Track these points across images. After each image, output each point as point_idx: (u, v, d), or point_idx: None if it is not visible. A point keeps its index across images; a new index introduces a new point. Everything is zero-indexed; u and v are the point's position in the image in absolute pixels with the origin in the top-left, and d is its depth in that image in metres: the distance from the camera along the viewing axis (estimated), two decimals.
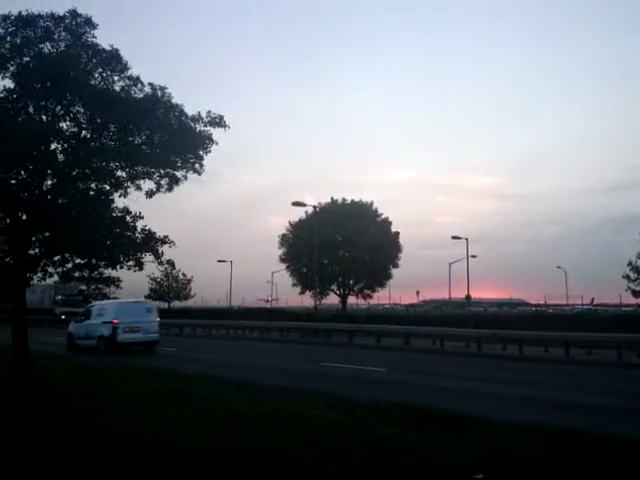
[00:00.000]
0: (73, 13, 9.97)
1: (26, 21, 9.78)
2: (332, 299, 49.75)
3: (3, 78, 9.91)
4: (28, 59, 9.88)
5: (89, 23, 10.10)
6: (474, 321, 32.80)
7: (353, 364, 18.44)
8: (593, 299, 67.71)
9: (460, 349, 24.80)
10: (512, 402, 11.57)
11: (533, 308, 63.97)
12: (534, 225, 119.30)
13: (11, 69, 9.87)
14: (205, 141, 10.65)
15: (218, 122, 10.58)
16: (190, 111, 10.46)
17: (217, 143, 10.79)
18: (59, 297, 58.70)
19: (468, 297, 47.64)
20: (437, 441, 6.92)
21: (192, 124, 10.43)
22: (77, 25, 10.02)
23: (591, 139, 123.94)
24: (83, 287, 62.92)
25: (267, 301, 70.68)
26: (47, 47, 9.98)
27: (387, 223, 46.92)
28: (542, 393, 12.96)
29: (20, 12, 9.80)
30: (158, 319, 25.62)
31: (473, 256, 47.92)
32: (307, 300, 54.54)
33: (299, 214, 46.87)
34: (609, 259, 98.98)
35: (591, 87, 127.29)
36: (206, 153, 10.79)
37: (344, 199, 47.14)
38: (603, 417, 10.11)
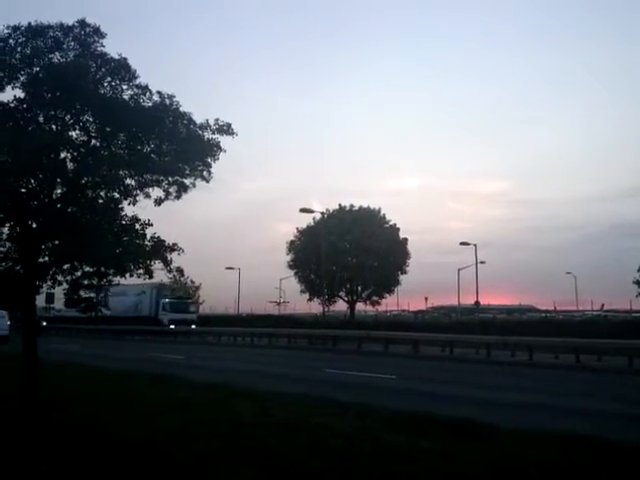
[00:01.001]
0: (82, 23, 10.04)
1: (36, 32, 9.86)
2: (340, 306, 49.75)
3: (13, 88, 9.97)
4: (38, 69, 9.94)
5: (98, 33, 10.16)
6: (483, 327, 32.64)
7: (361, 371, 18.39)
8: (603, 305, 67.23)
9: (469, 356, 24.69)
10: (522, 409, 11.49)
11: (543, 314, 63.58)
12: (543, 231, 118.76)
13: (21, 79, 9.94)
14: (213, 149, 10.66)
15: (226, 130, 10.59)
16: (198, 119, 10.50)
17: (225, 151, 10.81)
18: (166, 300, 49.06)
19: (477, 303, 47.49)
20: (448, 449, 6.87)
21: (200, 132, 10.45)
22: (86, 35, 10.08)
23: (601, 145, 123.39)
24: (92, 295, 63.42)
25: (278, 304, 69.71)
26: (57, 57, 10.04)
27: (395, 229, 46.88)
28: (553, 400, 12.87)
29: (30, 23, 9.87)
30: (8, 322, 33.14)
31: (482, 262, 47.79)
32: (315, 307, 54.51)
33: (307, 221, 47.00)
34: (619, 265, 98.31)
35: (601, 92, 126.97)
36: (214, 160, 10.80)
37: (352, 205, 47.21)
38: (615, 424, 10.02)
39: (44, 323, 55.09)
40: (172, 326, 45.83)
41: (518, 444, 7.21)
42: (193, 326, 46.69)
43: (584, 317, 52.29)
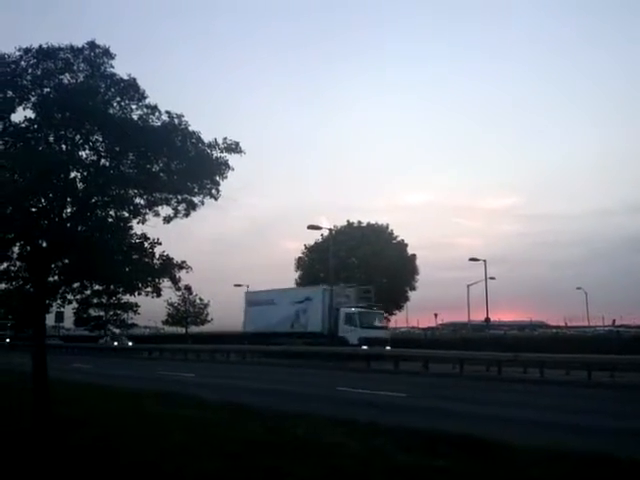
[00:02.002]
0: (92, 44, 10.18)
1: (46, 53, 10.00)
2: None
3: (24, 109, 10.10)
4: (48, 90, 10.07)
5: (107, 54, 10.29)
6: (494, 344, 32.37)
7: (371, 389, 18.24)
8: (614, 320, 66.56)
9: (480, 373, 24.45)
10: (535, 426, 11.32)
11: (554, 330, 63.02)
12: (553, 246, 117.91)
13: (32, 100, 10.06)
14: (221, 167, 10.72)
15: (234, 148, 10.66)
16: (207, 138, 10.57)
17: (233, 169, 10.87)
18: (354, 311, 35.67)
19: (487, 320, 47.09)
20: (461, 468, 6.78)
21: (209, 150, 10.51)
22: (96, 56, 10.21)
23: (611, 159, 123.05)
24: (101, 313, 63.43)
25: None
26: (67, 78, 10.17)
27: (403, 245, 46.93)
28: (565, 417, 12.70)
29: (41, 45, 10.03)
30: None
31: (492, 278, 47.42)
32: None
33: (315, 237, 47.06)
34: (630, 279, 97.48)
35: (611, 106, 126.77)
36: (222, 179, 10.86)
37: (359, 222, 47.35)
38: (629, 441, 9.86)
39: (130, 343, 53.48)
40: (364, 347, 31.89)
41: (531, 462, 7.10)
42: (388, 347, 32.87)
43: (595, 333, 51.78)
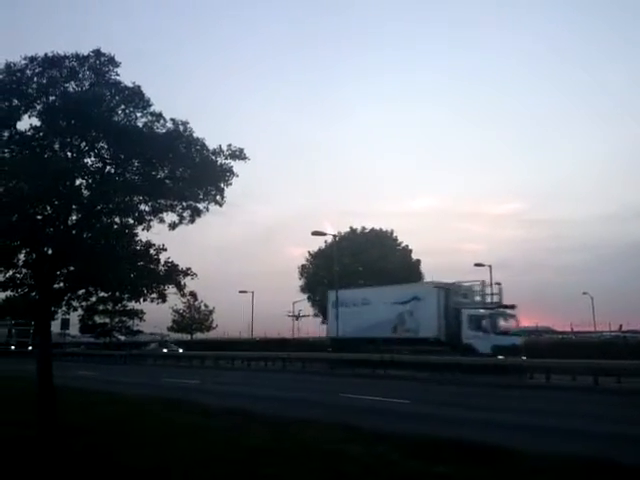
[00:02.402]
0: (97, 53, 10.24)
1: (52, 62, 10.06)
2: None
3: (30, 117, 10.17)
4: (54, 98, 10.12)
5: (112, 62, 10.35)
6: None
7: (375, 395, 18.18)
8: (621, 326, 66.08)
9: (486, 378, 24.34)
10: (540, 433, 11.26)
11: (560, 335, 62.70)
12: (559, 251, 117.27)
13: (38, 108, 10.12)
14: (226, 174, 10.76)
15: (238, 155, 10.69)
16: (211, 144, 10.61)
17: (237, 175, 10.90)
18: (483, 312, 29.66)
19: None
20: (465, 475, 6.74)
21: (213, 157, 10.55)
22: (101, 64, 10.27)
23: (616, 164, 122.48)
24: (107, 320, 63.57)
25: (297, 317, 64.38)
26: (72, 86, 10.23)
27: (407, 251, 46.87)
28: (571, 423, 12.62)
29: (46, 53, 10.10)
30: None
31: (497, 283, 47.18)
32: None
33: (319, 244, 47.03)
34: (637, 285, 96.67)
35: (617, 111, 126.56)
36: (227, 185, 10.90)
37: (363, 228, 47.35)
38: (635, 447, 9.77)
39: (180, 350, 49.23)
40: (500, 357, 26.60)
41: (536, 469, 7.06)
42: (523, 357, 27.22)
43: (602, 338, 51.49)
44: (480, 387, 22.21)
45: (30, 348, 55.56)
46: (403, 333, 31.79)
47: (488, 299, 32.22)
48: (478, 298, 32.06)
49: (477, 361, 26.39)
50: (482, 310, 30.03)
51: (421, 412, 14.55)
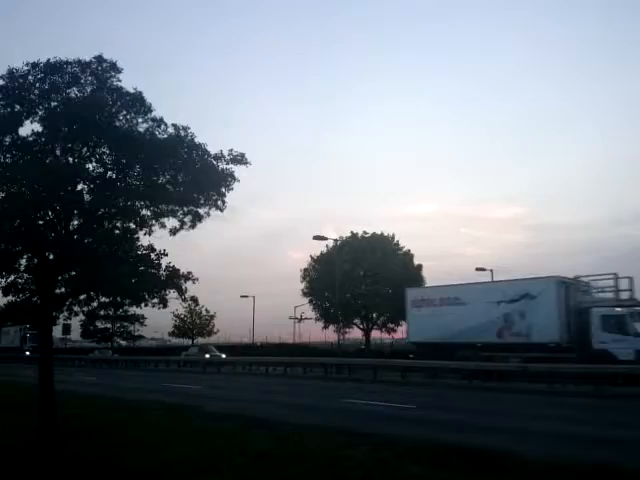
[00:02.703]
0: (99, 59, 10.27)
1: (54, 68, 10.09)
2: (356, 333, 49.45)
3: (32, 122, 10.19)
4: (56, 104, 10.14)
5: (114, 68, 10.38)
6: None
7: (378, 401, 18.13)
8: None
9: (490, 384, 24.27)
10: (544, 438, 11.20)
11: None
12: (561, 255, 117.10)
13: (40, 114, 10.14)
14: (227, 179, 10.77)
15: (240, 160, 10.71)
16: (213, 149, 10.63)
17: (239, 180, 10.91)
18: (619, 311, 25.59)
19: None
20: None
21: (215, 162, 10.56)
22: (103, 70, 10.30)
23: (618, 168, 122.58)
24: (108, 325, 63.51)
25: (299, 320, 62.38)
26: (74, 92, 10.25)
27: (409, 256, 46.82)
28: (573, 428, 12.55)
29: (49, 59, 10.13)
30: None
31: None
32: (330, 335, 54.12)
33: (321, 248, 47.01)
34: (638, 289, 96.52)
35: (618, 115, 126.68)
36: (228, 190, 10.91)
37: (365, 232, 47.30)
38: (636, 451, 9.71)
39: (223, 355, 42.46)
40: None
41: (543, 474, 7.03)
42: None
43: None
44: None
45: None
46: (511, 337, 27.73)
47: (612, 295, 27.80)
48: (603, 294, 28.22)
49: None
50: (619, 308, 25.71)
51: None
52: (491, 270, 45.09)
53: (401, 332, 54.53)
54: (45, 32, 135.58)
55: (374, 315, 46.47)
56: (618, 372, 22.13)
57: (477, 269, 45.17)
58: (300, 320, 57.14)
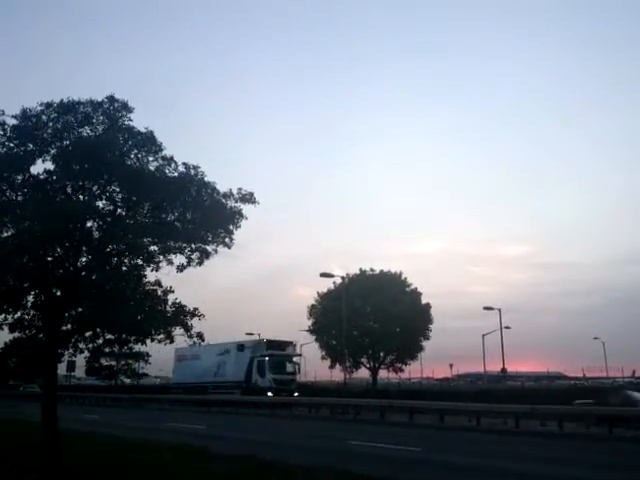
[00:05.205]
0: (111, 99, 10.51)
1: (67, 107, 10.32)
2: (362, 373, 48.69)
3: (44, 161, 10.37)
4: (68, 142, 10.34)
5: (126, 107, 10.60)
6: (511, 396, 31.55)
7: (385, 443, 17.77)
8: (634, 371, 64.90)
9: (497, 426, 23.78)
10: None
11: (572, 381, 61.55)
12: (569, 294, 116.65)
13: (52, 152, 10.33)
14: (235, 216, 10.88)
15: (248, 199, 10.84)
16: (222, 188, 10.76)
17: (247, 218, 11.01)
18: None
19: (504, 370, 46.05)
20: None
21: (223, 200, 10.69)
22: (114, 110, 10.52)
23: (627, 207, 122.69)
24: (112, 363, 63.09)
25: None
26: (86, 131, 10.46)
27: (417, 294, 46.41)
28: (587, 474, 12.25)
29: (62, 99, 10.37)
30: None
31: (507, 327, 46.49)
32: (337, 374, 53.36)
33: (327, 285, 46.73)
34: None
35: (628, 154, 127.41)
36: (236, 228, 11.00)
37: (372, 269, 47.03)
38: None
39: (296, 394, 37.46)
40: None
41: None
42: None
43: (615, 384, 50.49)
44: None
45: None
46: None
47: None
48: None
49: None
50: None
51: None
52: (499, 309, 44.79)
53: (408, 372, 53.95)
54: (56, 73, 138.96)
55: (381, 354, 45.87)
56: None
57: (485, 308, 44.85)
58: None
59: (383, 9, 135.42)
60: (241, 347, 42.42)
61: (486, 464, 13.59)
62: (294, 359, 43.36)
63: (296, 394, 38.58)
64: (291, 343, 43.35)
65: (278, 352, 41.17)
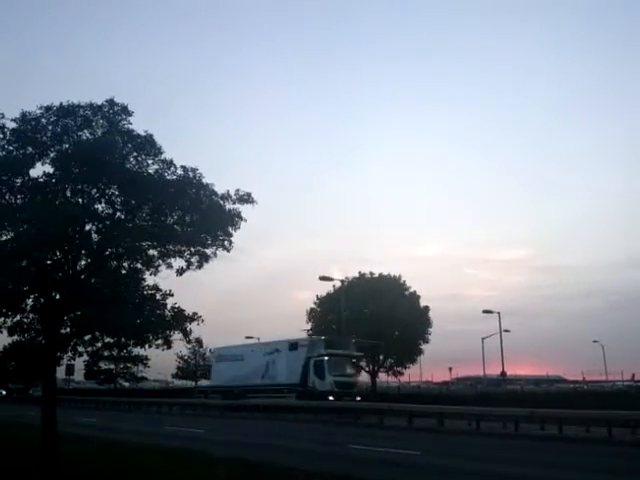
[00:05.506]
0: (110, 102, 10.52)
1: (67, 111, 10.32)
2: (362, 376, 48.59)
3: (43, 164, 10.37)
4: (67, 146, 10.34)
5: (125, 111, 10.62)
6: (510, 400, 31.54)
7: (385, 447, 17.74)
8: (634, 375, 64.77)
9: (497, 429, 23.74)
10: None
11: (571, 385, 61.47)
12: (569, 298, 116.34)
13: (51, 155, 10.33)
14: (234, 218, 10.87)
15: (246, 199, 10.83)
16: (219, 189, 10.75)
17: (246, 220, 11.00)
18: None
19: (503, 374, 46.04)
20: None
21: (222, 202, 10.68)
22: (114, 113, 10.53)
23: (626, 210, 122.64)
24: (111, 366, 62.89)
25: None
26: (85, 134, 10.47)
27: (416, 297, 46.41)
28: (587, 478, 12.22)
29: (61, 103, 10.37)
30: None
31: (506, 330, 46.53)
32: None
33: (327, 288, 46.69)
34: None
35: (626, 157, 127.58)
36: (235, 230, 11.00)
37: (371, 273, 47.04)
38: None
39: (358, 398, 33.73)
40: None
41: None
42: None
43: (615, 387, 50.47)
44: None
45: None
46: None
47: None
48: None
49: None
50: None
51: None
52: (498, 313, 44.80)
53: (408, 375, 53.87)
54: (56, 76, 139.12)
55: (381, 357, 45.82)
56: None
57: (484, 311, 44.92)
58: None
59: (384, 13, 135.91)
60: (294, 346, 37.95)
61: (486, 468, 13.56)
62: (353, 359, 38.56)
63: (358, 398, 34.51)
64: (350, 340, 38.56)
65: (339, 351, 36.51)
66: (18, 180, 10.23)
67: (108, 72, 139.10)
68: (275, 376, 38.37)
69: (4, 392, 67.26)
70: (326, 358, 35.36)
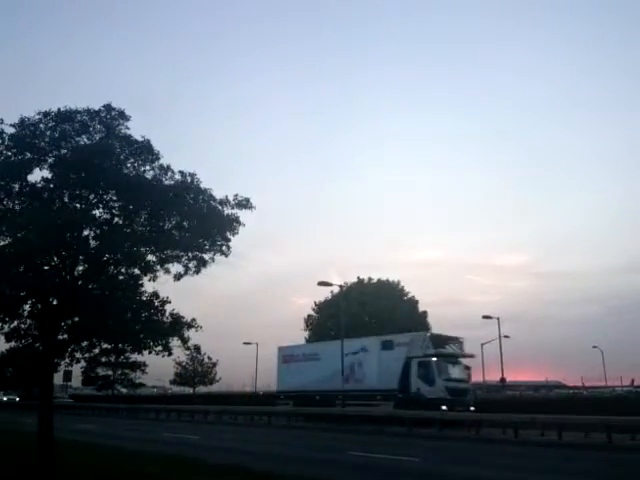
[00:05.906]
0: (108, 107, 10.52)
1: (65, 116, 10.33)
2: None
3: (41, 169, 10.35)
4: (65, 151, 10.34)
5: (122, 116, 10.62)
6: (510, 405, 31.40)
7: (384, 453, 17.66)
8: (633, 380, 64.67)
9: (496, 436, 23.66)
10: None
11: (571, 390, 61.36)
12: (568, 304, 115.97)
13: (49, 161, 10.32)
14: (232, 223, 10.86)
15: (245, 204, 10.82)
16: (218, 194, 10.74)
17: (244, 225, 10.99)
18: None
19: (503, 380, 45.90)
20: None
21: (220, 207, 10.67)
22: (111, 118, 10.54)
23: (627, 217, 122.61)
24: (109, 372, 62.76)
25: None
26: (83, 139, 10.47)
27: (414, 302, 46.47)
28: None
29: (59, 108, 10.37)
30: None
31: (506, 336, 46.36)
32: None
33: (325, 293, 46.66)
34: None
35: (626, 164, 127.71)
36: (233, 235, 10.98)
37: (370, 278, 47.07)
38: None
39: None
40: None
41: None
42: None
43: (614, 393, 50.34)
44: None
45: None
46: None
47: None
48: None
49: None
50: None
51: None
52: (498, 318, 44.70)
53: None
54: (53, 81, 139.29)
55: None
56: None
57: (484, 317, 44.72)
58: None
59: (383, 19, 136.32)
60: (388, 344, 32.15)
61: (485, 475, 13.50)
62: (463, 362, 32.09)
63: (472, 408, 28.86)
64: (457, 339, 32.52)
65: (449, 351, 30.95)
66: (16, 185, 10.21)
67: (109, 77, 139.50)
68: (363, 380, 32.86)
69: (5, 398, 67.01)
70: (434, 359, 29.82)
